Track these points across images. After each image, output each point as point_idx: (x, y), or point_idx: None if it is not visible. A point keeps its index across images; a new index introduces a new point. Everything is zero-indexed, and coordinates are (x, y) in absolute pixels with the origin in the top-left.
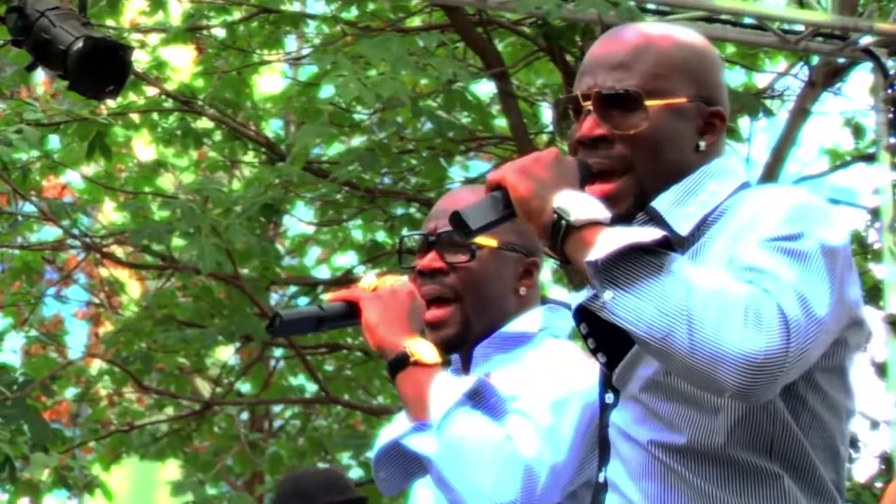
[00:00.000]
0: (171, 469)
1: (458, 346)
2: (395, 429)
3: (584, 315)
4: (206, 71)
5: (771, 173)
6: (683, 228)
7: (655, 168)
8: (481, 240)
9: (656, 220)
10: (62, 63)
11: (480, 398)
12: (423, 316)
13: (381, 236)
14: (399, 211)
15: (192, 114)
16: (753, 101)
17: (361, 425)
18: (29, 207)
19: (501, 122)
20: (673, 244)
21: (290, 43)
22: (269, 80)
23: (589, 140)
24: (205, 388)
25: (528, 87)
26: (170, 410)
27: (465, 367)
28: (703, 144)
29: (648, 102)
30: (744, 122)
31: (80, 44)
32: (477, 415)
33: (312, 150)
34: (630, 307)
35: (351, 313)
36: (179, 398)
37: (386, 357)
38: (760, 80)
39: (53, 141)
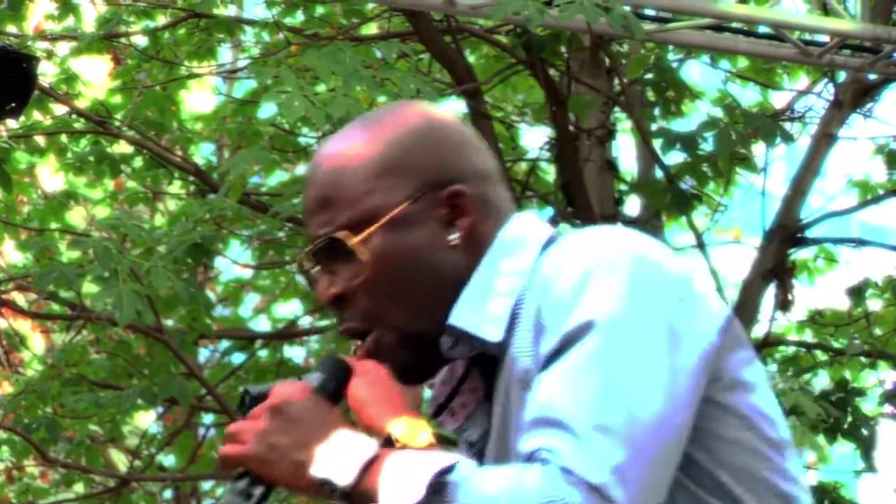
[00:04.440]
0: None
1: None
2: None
3: None
4: (125, 86)
5: (790, 209)
6: (493, 334)
7: (409, 302)
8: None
9: (460, 337)
10: None
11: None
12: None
13: None
14: None
15: (108, 136)
16: (770, 125)
17: None
18: None
19: None
20: (494, 358)
21: (225, 53)
22: (200, 97)
23: (329, 304)
24: (121, 460)
25: (505, 107)
26: (80, 487)
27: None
28: (454, 238)
29: (359, 238)
30: (759, 149)
31: None
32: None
33: (250, 180)
34: None
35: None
36: (91, 472)
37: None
38: (778, 100)
39: None
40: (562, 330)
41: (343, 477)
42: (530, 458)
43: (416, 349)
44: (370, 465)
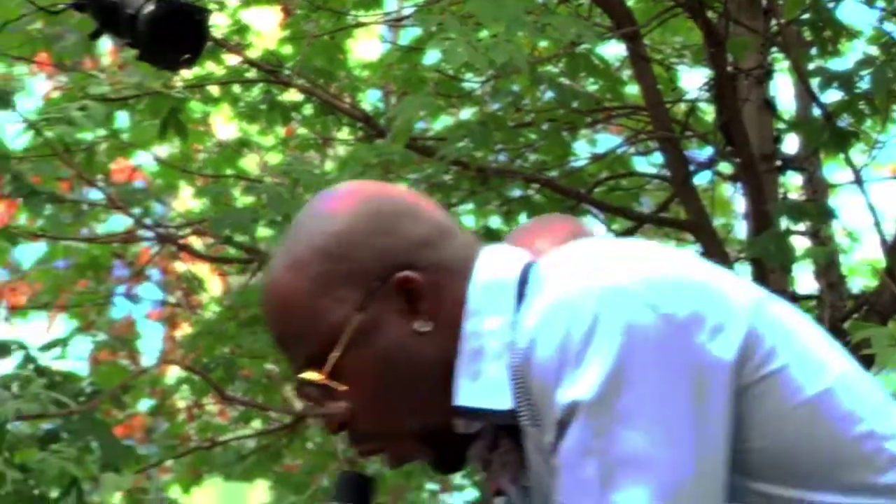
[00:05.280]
0: (260, 490)
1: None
2: None
3: None
4: (295, 36)
5: None
6: (501, 402)
7: (406, 407)
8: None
9: (470, 415)
10: (131, 30)
11: None
12: None
13: (495, 222)
14: (516, 193)
15: (279, 85)
16: None
17: None
18: (95, 194)
19: (633, 90)
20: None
21: (390, 2)
22: (366, 46)
23: (337, 434)
24: (297, 398)
25: (664, 49)
26: (257, 424)
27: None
28: (421, 326)
29: (325, 370)
30: None
31: (150, 7)
32: None
33: (416, 125)
34: None
35: None
36: (268, 410)
37: None
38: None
39: (122, 119)
40: (553, 417)
41: None
42: None
43: (436, 444)
44: None
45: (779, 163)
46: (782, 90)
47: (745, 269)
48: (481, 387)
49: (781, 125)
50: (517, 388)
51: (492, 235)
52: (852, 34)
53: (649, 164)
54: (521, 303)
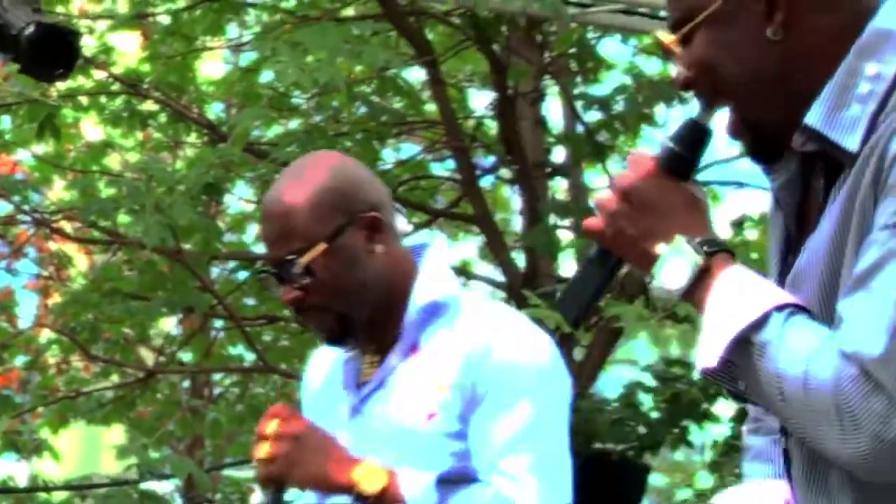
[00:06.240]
0: (117, 433)
1: (350, 336)
2: None
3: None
4: (152, 56)
5: None
6: (852, 141)
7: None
8: (309, 254)
9: (814, 138)
10: (14, 47)
11: (448, 479)
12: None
13: None
14: None
15: (138, 97)
16: (668, 90)
17: (297, 393)
18: None
19: (431, 107)
20: (844, 166)
21: (232, 30)
22: (212, 66)
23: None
24: (149, 356)
25: (457, 75)
26: (115, 378)
27: (383, 350)
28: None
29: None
30: (659, 110)
31: (31, 29)
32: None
33: (252, 132)
34: (755, 394)
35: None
36: (124, 366)
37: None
38: (674, 70)
39: (5, 121)
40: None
41: (676, 283)
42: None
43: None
44: (701, 278)
45: (549, 170)
46: (552, 110)
47: (520, 256)
48: (836, 118)
49: (551, 139)
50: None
51: None
52: (610, 66)
53: (443, 168)
54: None
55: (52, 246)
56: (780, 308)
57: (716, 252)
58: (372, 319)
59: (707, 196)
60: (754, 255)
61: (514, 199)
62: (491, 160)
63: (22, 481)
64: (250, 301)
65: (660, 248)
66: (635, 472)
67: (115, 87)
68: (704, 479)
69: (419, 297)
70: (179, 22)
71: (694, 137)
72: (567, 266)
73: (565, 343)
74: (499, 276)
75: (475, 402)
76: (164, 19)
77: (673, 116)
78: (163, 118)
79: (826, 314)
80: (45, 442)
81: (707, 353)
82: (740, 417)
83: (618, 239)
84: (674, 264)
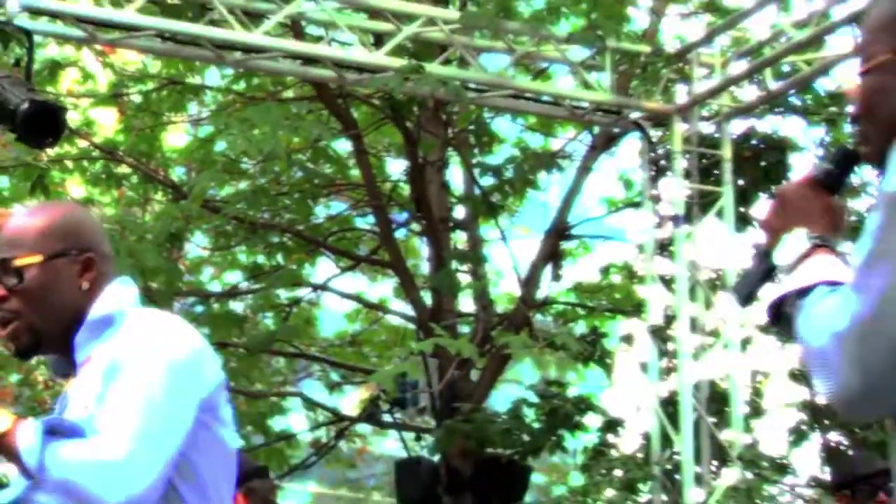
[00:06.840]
0: None
1: (37, 350)
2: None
3: None
4: (126, 128)
5: (562, 215)
6: None
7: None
8: (26, 259)
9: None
10: (11, 119)
11: (57, 431)
12: None
13: (260, 259)
14: (275, 239)
15: (115, 161)
16: (549, 160)
17: (243, 406)
18: None
19: (356, 172)
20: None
21: (193, 108)
22: (176, 137)
23: None
24: None
25: (377, 146)
26: None
27: (72, 359)
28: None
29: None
30: (542, 176)
31: (26, 105)
32: (64, 442)
33: (208, 191)
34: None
35: None
36: None
37: None
38: (555, 144)
39: (3, 181)
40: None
41: (788, 259)
42: None
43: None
44: (800, 260)
45: (451, 224)
46: (455, 176)
47: (427, 295)
48: None
49: (453, 199)
50: None
51: (258, 268)
52: (501, 140)
53: (365, 222)
54: None
55: None
56: (826, 283)
57: (819, 246)
58: (62, 337)
59: (844, 209)
60: (618, 296)
61: (422, 248)
62: (404, 216)
63: None
64: (205, 330)
65: (790, 235)
66: (521, 473)
67: (95, 153)
68: (576, 478)
69: (90, 315)
70: (149, 101)
71: (846, 160)
72: (466, 303)
73: (464, 366)
74: (410, 311)
75: (108, 382)
76: (137, 98)
77: (553, 182)
78: (135, 179)
79: None
80: None
81: (780, 291)
82: (606, 428)
83: (768, 229)
84: (792, 247)
